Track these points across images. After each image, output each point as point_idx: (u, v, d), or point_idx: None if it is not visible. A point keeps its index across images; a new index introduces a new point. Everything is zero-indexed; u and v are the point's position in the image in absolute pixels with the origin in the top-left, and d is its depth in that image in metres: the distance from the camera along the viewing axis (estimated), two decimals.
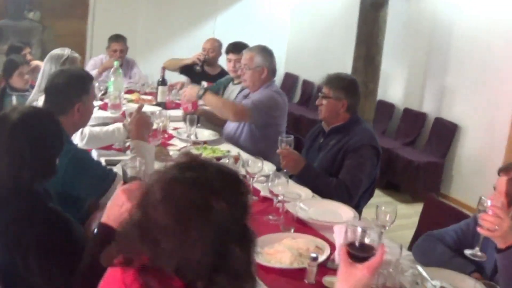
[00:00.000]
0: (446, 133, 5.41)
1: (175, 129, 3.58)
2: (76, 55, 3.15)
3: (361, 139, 2.84)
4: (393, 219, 1.91)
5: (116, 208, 1.42)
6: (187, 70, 4.97)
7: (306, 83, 7.63)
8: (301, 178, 2.75)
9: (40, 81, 3.07)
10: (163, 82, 4.19)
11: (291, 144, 2.70)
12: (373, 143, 2.88)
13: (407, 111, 5.92)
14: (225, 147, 3.31)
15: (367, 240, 1.29)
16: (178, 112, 3.91)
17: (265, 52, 3.51)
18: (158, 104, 4.13)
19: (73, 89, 2.18)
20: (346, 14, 6.99)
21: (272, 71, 3.52)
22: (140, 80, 4.93)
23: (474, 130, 5.24)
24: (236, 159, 2.46)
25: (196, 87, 3.50)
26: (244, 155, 2.96)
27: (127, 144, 2.91)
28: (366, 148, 2.84)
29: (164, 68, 4.30)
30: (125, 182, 1.59)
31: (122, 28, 6.03)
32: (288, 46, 8.24)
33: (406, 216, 3.83)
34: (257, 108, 3.36)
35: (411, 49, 5.93)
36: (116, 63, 3.82)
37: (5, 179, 1.56)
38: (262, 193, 2.45)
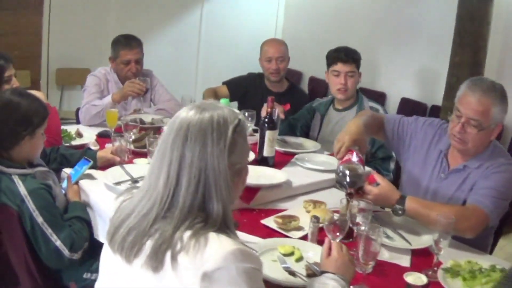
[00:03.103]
0: None
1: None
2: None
3: None
4: None
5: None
6: (242, 91, 3.46)
7: (314, 81, 6.08)
8: None
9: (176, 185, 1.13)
10: (271, 122, 2.36)
11: None
12: None
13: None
14: None
15: None
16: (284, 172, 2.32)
17: (505, 100, 2.00)
18: (261, 161, 2.42)
19: None
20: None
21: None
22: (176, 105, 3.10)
23: None
24: None
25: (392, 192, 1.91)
26: None
27: None
28: None
29: (273, 99, 2.42)
30: None
31: (89, 23, 4.91)
32: (284, 35, 6.67)
33: None
34: (500, 207, 1.94)
35: None
36: None
37: None
38: None
